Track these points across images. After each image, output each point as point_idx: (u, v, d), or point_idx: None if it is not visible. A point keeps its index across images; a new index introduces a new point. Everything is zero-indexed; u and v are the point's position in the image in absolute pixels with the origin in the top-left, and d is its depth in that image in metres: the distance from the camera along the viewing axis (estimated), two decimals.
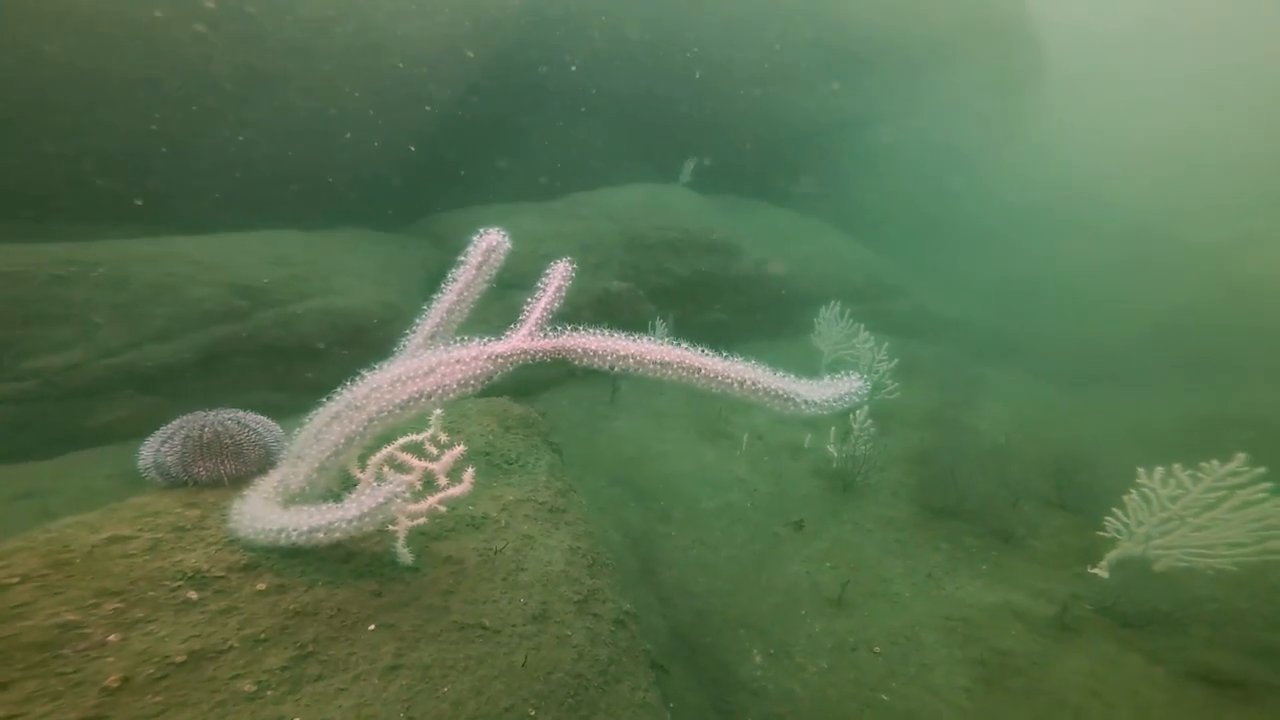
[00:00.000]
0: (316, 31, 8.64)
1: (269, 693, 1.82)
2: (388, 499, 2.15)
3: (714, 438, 6.93)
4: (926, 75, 15.28)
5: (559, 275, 2.62)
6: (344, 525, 2.16)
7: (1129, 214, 18.58)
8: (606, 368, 2.35)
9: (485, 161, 11.53)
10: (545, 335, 2.54)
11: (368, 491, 2.20)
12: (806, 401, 2.10)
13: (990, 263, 17.13)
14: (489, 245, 2.66)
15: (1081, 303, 15.20)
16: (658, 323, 7.94)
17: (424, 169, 10.64)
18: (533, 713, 2.47)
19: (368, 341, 7.71)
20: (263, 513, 2.28)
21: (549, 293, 2.60)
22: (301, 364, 7.45)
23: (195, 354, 6.77)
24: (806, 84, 13.78)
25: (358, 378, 2.68)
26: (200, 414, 2.67)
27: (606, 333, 2.38)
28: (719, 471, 6.30)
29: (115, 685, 1.63)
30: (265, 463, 2.76)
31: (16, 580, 1.85)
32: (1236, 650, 4.53)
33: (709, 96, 12.80)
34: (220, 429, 2.60)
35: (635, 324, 8.68)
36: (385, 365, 2.73)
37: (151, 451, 2.52)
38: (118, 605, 1.85)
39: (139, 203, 8.32)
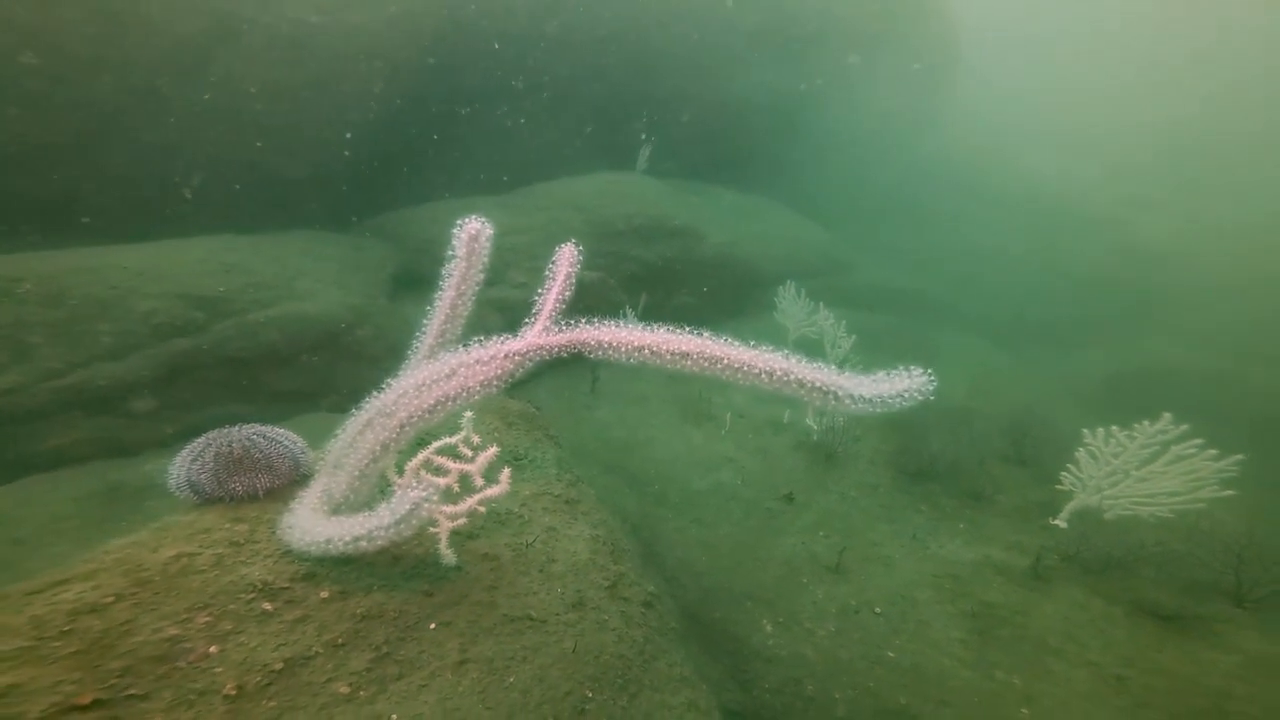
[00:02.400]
0: (242, 17, 8.23)
1: (361, 693, 1.87)
2: (416, 504, 2.15)
3: (698, 419, 7.10)
4: (857, 57, 15.89)
5: (566, 262, 2.53)
6: (383, 533, 2.17)
7: (1039, 183, 19.97)
8: (623, 360, 2.26)
9: (435, 156, 11.28)
10: (560, 328, 2.52)
11: (397, 498, 2.21)
12: (853, 397, 1.93)
13: (927, 234, 17.99)
14: (471, 234, 2.58)
15: (1008, 268, 16.29)
16: (628, 311, 8.02)
17: (370, 166, 10.33)
18: (589, 694, 2.57)
19: (337, 347, 7.51)
20: (310, 524, 2.28)
21: (558, 282, 2.53)
22: (268, 374, 7.21)
23: (154, 371, 6.45)
24: (748, 68, 14.05)
25: (384, 385, 2.65)
26: (224, 430, 2.62)
27: (621, 324, 2.32)
28: (707, 452, 6.48)
29: (233, 693, 1.68)
30: (294, 474, 2.73)
31: (112, 600, 1.86)
32: (1176, 588, 5.09)
33: (656, 83, 12.89)
34: (249, 444, 2.56)
35: (609, 313, 8.71)
36: (406, 370, 2.71)
37: (183, 470, 2.47)
38: (208, 619, 1.88)
39: (45, 210, 7.75)
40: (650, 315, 8.76)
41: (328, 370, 7.46)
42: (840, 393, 1.95)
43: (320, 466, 2.66)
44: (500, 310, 8.48)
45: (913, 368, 1.94)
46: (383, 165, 10.65)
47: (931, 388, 1.91)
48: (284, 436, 2.75)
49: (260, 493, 2.58)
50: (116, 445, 6.12)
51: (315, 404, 7.27)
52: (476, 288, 2.77)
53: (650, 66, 12.60)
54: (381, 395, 2.55)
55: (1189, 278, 14.91)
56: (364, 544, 2.19)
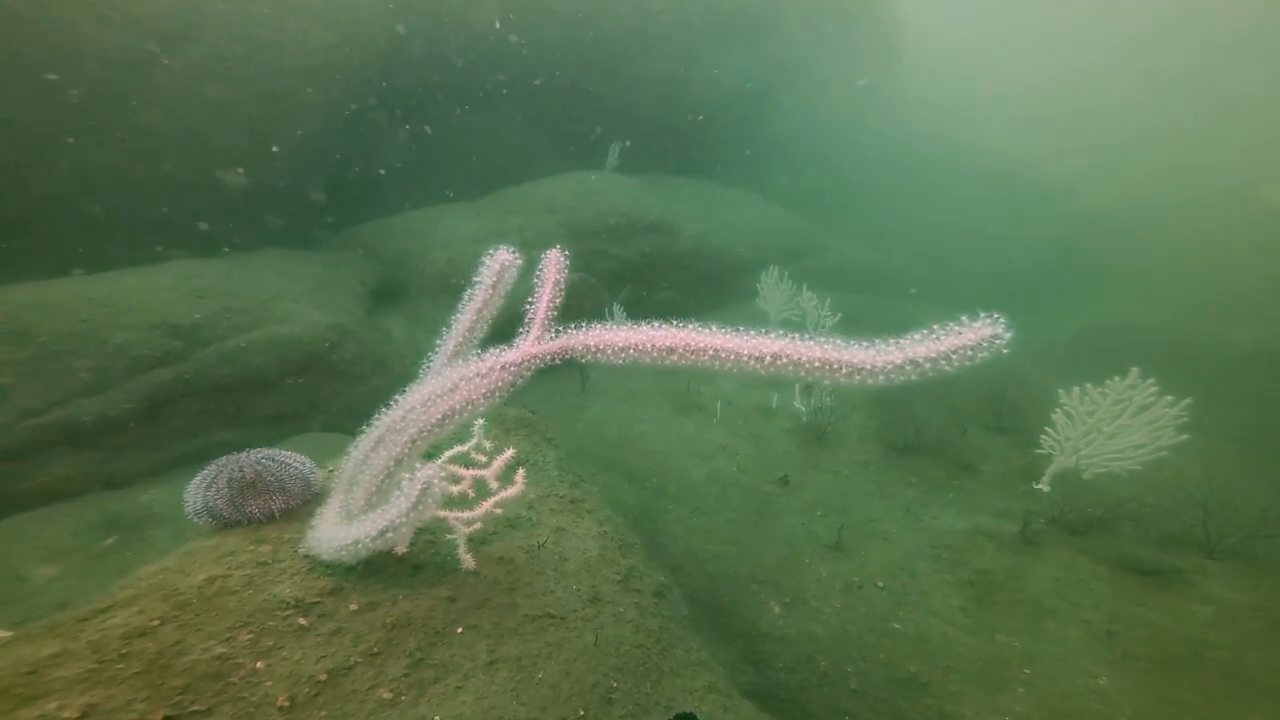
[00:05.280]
0: (181, 34, 8.09)
1: (403, 698, 1.94)
2: (427, 484, 2.17)
3: (688, 410, 7.20)
4: (809, 45, 16.16)
5: (553, 268, 2.50)
6: (404, 519, 2.18)
7: (987, 158, 20.67)
8: (614, 361, 2.23)
9: (403, 166, 11.21)
10: (552, 336, 2.52)
11: (408, 482, 2.23)
12: (867, 370, 1.74)
13: (891, 213, 18.41)
14: (501, 265, 2.60)
15: (969, 240, 16.81)
16: (615, 308, 8.10)
17: (335, 178, 10.23)
18: (615, 685, 2.66)
19: (321, 367, 7.47)
20: (335, 533, 2.33)
21: (547, 289, 2.50)
22: (254, 399, 7.15)
23: (137, 404, 6.36)
24: (707, 59, 14.17)
25: (391, 403, 2.66)
26: (233, 456, 2.64)
27: (608, 326, 2.29)
28: (700, 442, 6.59)
29: (287, 705, 1.75)
30: (307, 494, 2.76)
31: (158, 623, 1.92)
32: (1153, 543, 5.35)
33: (619, 80, 12.95)
34: (260, 468, 2.59)
35: (594, 312, 8.79)
36: (413, 387, 2.72)
37: (199, 497, 2.49)
38: (250, 636, 1.94)
39: None
40: (633, 311, 8.84)
41: (314, 391, 7.41)
42: (850, 366, 1.77)
43: (333, 485, 2.69)
44: None
45: (982, 316, 1.64)
46: (348, 178, 10.56)
47: (1006, 338, 1.63)
48: (292, 458, 2.78)
49: (276, 514, 2.61)
50: (107, 478, 6.05)
51: (306, 425, 7.23)
52: (495, 312, 2.72)
53: (612, 65, 12.65)
54: (390, 412, 2.59)
55: (1135, 240, 15.60)
56: (390, 535, 2.20)
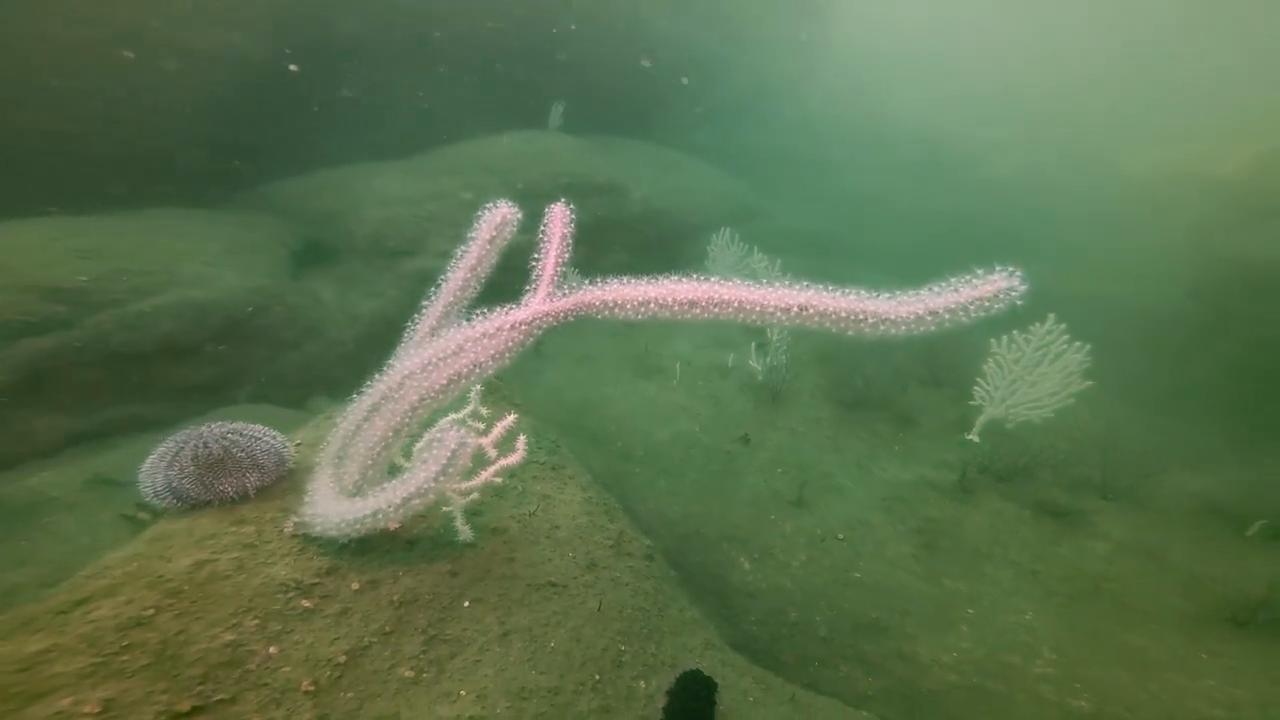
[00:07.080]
0: None
1: (425, 675, 1.88)
2: (459, 446, 2.05)
3: (648, 372, 7.17)
4: (757, 6, 16.08)
5: (559, 222, 2.32)
6: (432, 484, 2.05)
7: (907, 127, 21.62)
8: (632, 316, 2.13)
9: (325, 118, 10.30)
10: (563, 293, 2.40)
11: (436, 447, 2.10)
12: (892, 320, 1.76)
13: (824, 180, 18.90)
14: (501, 219, 2.43)
15: (893, 206, 17.63)
16: (571, 271, 7.88)
17: (245, 131, 9.27)
18: (623, 648, 2.64)
19: (245, 333, 6.89)
20: (344, 508, 2.15)
21: (554, 244, 2.33)
22: (167, 368, 6.51)
23: (11, 375, 5.59)
24: (654, 17, 13.79)
25: (385, 368, 2.46)
26: (194, 431, 2.37)
27: (625, 280, 2.15)
28: (662, 404, 6.59)
29: (312, 689, 1.67)
30: (281, 469, 2.53)
31: (152, 612, 1.77)
32: (1065, 487, 5.91)
33: (561, 37, 12.37)
34: (227, 442, 2.33)
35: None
36: (405, 351, 2.53)
37: (160, 477, 2.22)
38: (256, 621, 1.82)
39: None
40: (585, 274, 8.63)
41: (240, 358, 6.84)
42: (877, 317, 1.77)
43: (311, 460, 2.47)
44: (423, 282, 8.05)
45: (996, 269, 1.69)
46: (262, 131, 9.58)
47: (1022, 290, 1.69)
48: (261, 431, 2.53)
49: (251, 492, 2.37)
50: None
51: (231, 396, 6.67)
52: (488, 272, 2.55)
53: (554, 20, 12.05)
54: (383, 379, 2.39)
55: (1031, 208, 16.89)
56: (416, 502, 2.05)
